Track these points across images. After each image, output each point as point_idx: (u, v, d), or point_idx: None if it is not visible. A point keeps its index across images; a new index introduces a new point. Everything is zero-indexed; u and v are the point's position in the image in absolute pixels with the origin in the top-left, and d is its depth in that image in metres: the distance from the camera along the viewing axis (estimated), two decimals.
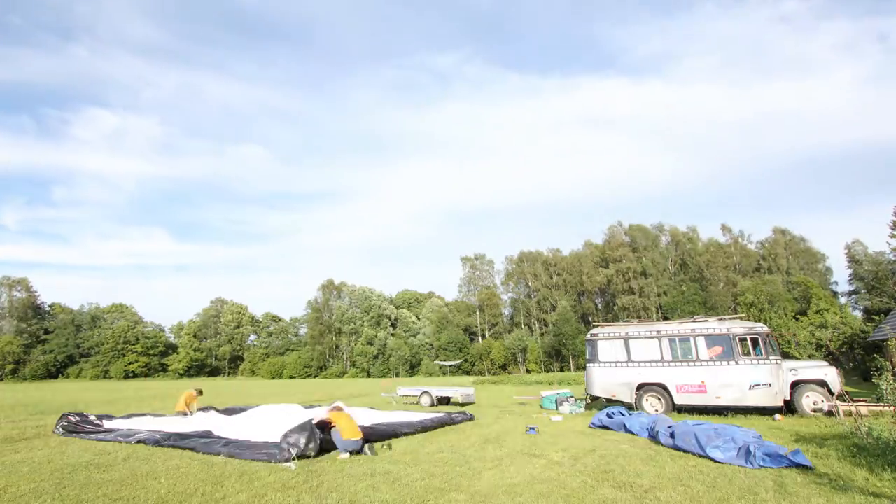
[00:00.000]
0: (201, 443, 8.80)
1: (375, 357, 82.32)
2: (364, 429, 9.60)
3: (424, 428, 11.04)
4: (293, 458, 7.43)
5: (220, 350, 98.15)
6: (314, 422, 8.32)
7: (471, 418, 13.24)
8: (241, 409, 15.01)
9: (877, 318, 33.34)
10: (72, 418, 11.67)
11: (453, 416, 12.86)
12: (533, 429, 10.77)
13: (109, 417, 13.24)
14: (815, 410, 12.42)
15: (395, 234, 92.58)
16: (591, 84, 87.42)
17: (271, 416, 14.12)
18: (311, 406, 15.90)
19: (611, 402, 14.90)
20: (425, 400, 18.64)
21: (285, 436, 7.92)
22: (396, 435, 9.91)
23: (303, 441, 7.74)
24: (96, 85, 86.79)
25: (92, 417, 12.42)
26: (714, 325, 13.80)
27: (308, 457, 7.65)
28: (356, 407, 17.42)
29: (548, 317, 79.09)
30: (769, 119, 79.50)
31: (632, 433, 10.06)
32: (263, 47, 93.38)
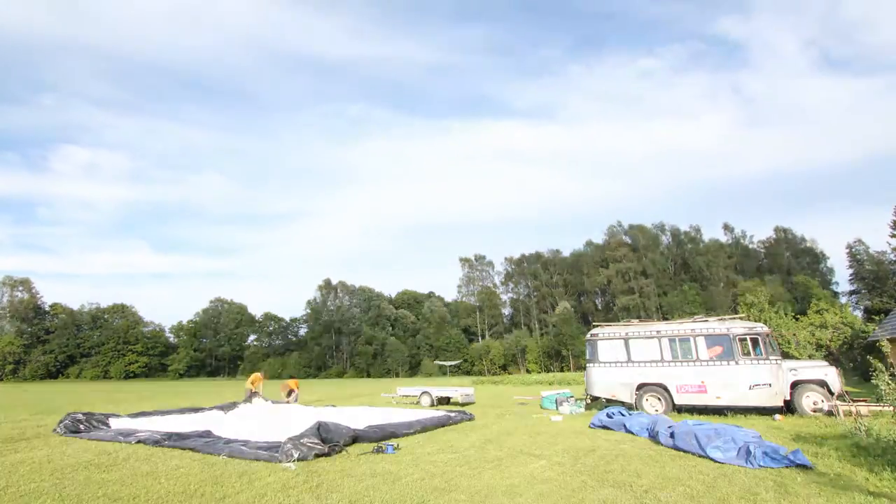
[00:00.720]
0: (202, 442, 8.80)
1: (375, 357, 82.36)
2: (365, 429, 9.62)
3: (424, 428, 11.04)
4: (294, 460, 7.44)
5: (219, 350, 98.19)
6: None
7: (471, 418, 13.24)
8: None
9: (877, 317, 33.33)
10: (77, 416, 11.70)
11: (452, 415, 12.83)
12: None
13: (116, 416, 13.27)
14: (815, 410, 12.42)
15: (351, 245, 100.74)
16: (492, 126, 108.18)
17: (273, 415, 14.14)
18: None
19: (611, 402, 14.89)
20: (425, 400, 18.65)
21: (291, 439, 7.92)
22: (396, 435, 9.90)
23: (307, 447, 7.76)
24: (66, 128, 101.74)
25: (99, 416, 12.47)
26: (714, 325, 13.80)
27: (307, 459, 7.64)
28: (356, 406, 17.45)
29: (548, 317, 79.13)
30: (658, 154, 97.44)
31: (632, 433, 10.06)
32: (211, 99, 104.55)
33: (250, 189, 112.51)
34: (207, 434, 9.62)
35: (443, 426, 11.80)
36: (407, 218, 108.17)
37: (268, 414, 14.54)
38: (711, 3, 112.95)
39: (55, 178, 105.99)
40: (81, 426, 11.18)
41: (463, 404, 18.49)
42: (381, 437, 9.53)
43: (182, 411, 15.23)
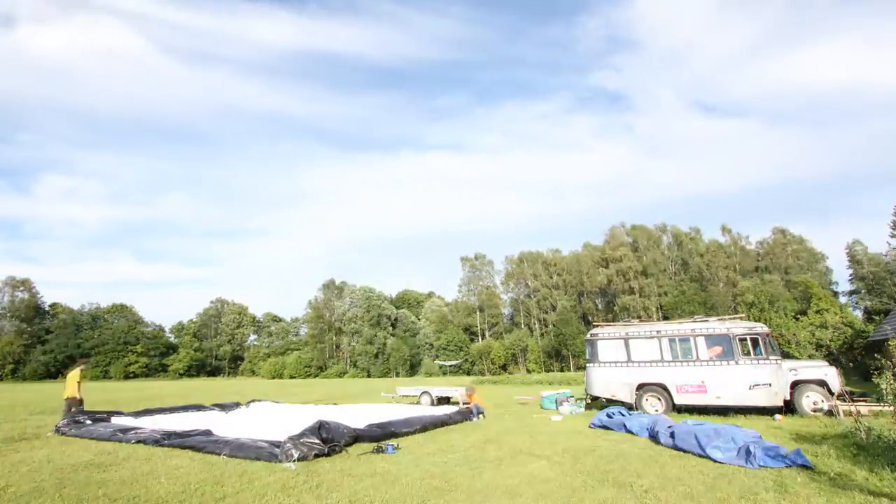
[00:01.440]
0: (202, 441, 8.81)
1: (375, 357, 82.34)
2: (365, 427, 9.61)
3: (424, 426, 11.04)
4: (294, 459, 7.44)
5: (220, 350, 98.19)
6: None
7: (472, 416, 13.24)
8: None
9: (877, 318, 33.34)
10: (79, 413, 11.79)
11: (451, 414, 12.82)
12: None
13: (119, 414, 13.32)
14: (815, 410, 12.42)
15: (351, 246, 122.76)
16: (414, 157, 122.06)
17: (274, 415, 14.17)
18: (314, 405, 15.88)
19: (611, 402, 14.89)
20: (425, 400, 18.66)
21: (291, 438, 7.92)
22: (397, 434, 9.90)
23: (307, 447, 7.76)
24: (44, 160, 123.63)
25: (101, 413, 12.59)
26: (714, 325, 13.79)
27: (307, 459, 7.64)
28: (356, 404, 17.46)
29: (548, 317, 79.06)
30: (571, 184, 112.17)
31: (632, 433, 10.07)
32: (172, 139, 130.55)
33: (221, 206, 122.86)
34: (208, 433, 9.63)
35: (444, 425, 11.81)
36: (368, 229, 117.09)
37: (268, 414, 14.58)
38: (582, 63, 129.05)
39: (40, 201, 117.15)
40: (88, 421, 11.28)
41: (463, 404, 18.49)
42: (381, 435, 9.53)
43: (186, 409, 15.27)
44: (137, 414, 13.74)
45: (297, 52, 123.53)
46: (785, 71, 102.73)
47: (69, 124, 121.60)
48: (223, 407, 15.37)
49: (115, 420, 12.14)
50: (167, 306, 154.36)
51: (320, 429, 8.36)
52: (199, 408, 15.35)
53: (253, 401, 16.67)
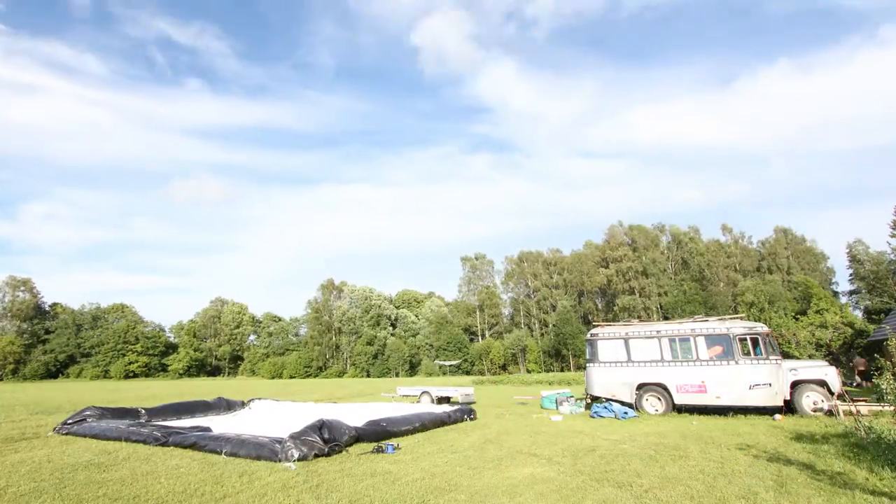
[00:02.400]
0: (202, 437, 8.84)
1: (375, 357, 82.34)
2: (365, 425, 9.60)
3: (424, 424, 11.03)
4: (294, 460, 7.44)
5: (220, 350, 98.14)
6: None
7: (472, 415, 13.24)
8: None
9: (877, 317, 33.33)
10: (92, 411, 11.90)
11: (451, 413, 12.78)
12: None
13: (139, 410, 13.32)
14: (815, 410, 12.41)
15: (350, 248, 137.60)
16: (334, 189, 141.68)
17: (275, 413, 14.16)
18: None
19: (611, 402, 14.88)
20: (425, 400, 18.69)
21: (293, 436, 7.92)
22: (396, 433, 9.89)
23: (307, 446, 7.76)
24: (24, 192, 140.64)
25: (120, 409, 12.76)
26: (714, 325, 13.79)
27: (307, 458, 7.64)
28: (356, 402, 17.43)
29: (548, 317, 79.04)
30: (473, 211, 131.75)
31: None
32: (132, 182, 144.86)
33: (187, 228, 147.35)
34: (207, 429, 9.64)
35: (443, 423, 11.81)
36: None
37: (269, 412, 14.57)
38: (461, 120, 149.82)
39: (25, 224, 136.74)
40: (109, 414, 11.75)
41: (463, 404, 18.50)
42: (381, 433, 9.53)
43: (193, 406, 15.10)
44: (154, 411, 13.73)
45: (230, 125, 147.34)
46: (624, 127, 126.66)
47: (42, 167, 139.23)
48: (230, 405, 15.28)
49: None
50: (167, 306, 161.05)
51: (322, 427, 8.36)
52: (206, 405, 15.19)
53: (253, 399, 16.65)
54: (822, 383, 12.63)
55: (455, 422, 12.39)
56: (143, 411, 12.78)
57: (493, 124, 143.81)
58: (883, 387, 8.44)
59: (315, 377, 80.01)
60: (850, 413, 11.01)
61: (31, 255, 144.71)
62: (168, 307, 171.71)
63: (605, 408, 13.70)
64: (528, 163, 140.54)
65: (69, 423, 11.20)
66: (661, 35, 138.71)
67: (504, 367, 73.26)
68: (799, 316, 37.84)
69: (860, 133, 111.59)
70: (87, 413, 11.66)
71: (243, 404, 15.70)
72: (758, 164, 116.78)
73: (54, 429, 11.31)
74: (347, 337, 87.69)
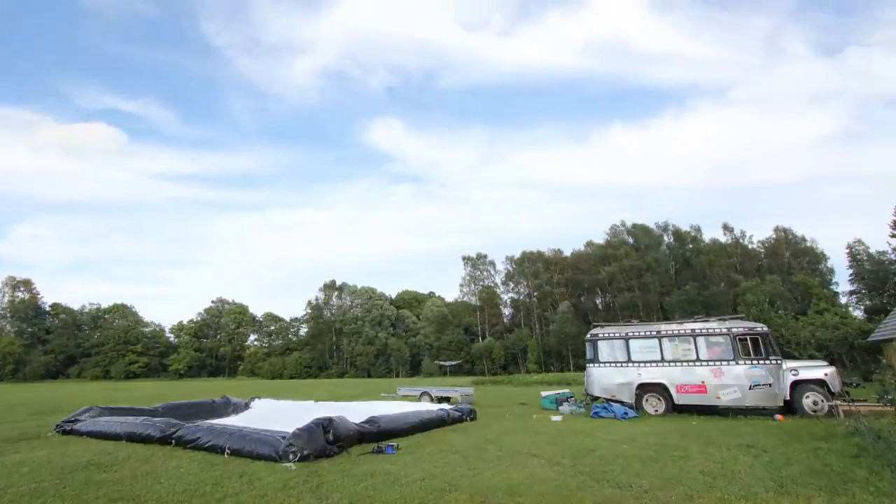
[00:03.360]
0: (203, 430, 8.88)
1: (376, 357, 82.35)
2: (366, 422, 9.56)
3: (422, 422, 11.02)
4: (296, 460, 7.44)
5: (220, 350, 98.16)
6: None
7: (472, 414, 13.24)
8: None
9: (877, 318, 33.30)
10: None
11: (449, 411, 12.73)
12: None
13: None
14: (815, 410, 12.41)
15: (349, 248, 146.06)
16: (281, 212, 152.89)
17: (276, 412, 14.16)
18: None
19: (611, 402, 14.88)
20: (425, 400, 18.69)
21: (296, 433, 7.93)
22: (396, 433, 9.87)
23: (312, 443, 7.77)
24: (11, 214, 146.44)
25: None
26: (714, 325, 13.79)
27: (308, 459, 7.64)
28: (356, 402, 17.42)
29: (549, 316, 79.01)
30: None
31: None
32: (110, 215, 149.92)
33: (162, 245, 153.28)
34: (209, 425, 9.66)
35: (442, 422, 11.81)
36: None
37: (270, 410, 14.58)
38: (372, 163, 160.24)
39: (12, 242, 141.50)
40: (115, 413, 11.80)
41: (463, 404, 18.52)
42: (382, 432, 9.50)
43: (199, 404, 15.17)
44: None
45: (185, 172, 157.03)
46: (518, 168, 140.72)
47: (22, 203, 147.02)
48: (235, 408, 15.29)
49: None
50: (167, 306, 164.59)
51: (327, 426, 8.31)
52: (210, 407, 15.23)
53: (254, 398, 16.63)
54: (822, 383, 12.63)
55: (455, 420, 12.39)
56: (159, 408, 13.08)
57: (403, 164, 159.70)
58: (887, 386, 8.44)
59: (315, 378, 79.99)
60: (850, 413, 11.01)
61: (23, 268, 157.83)
62: (168, 307, 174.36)
63: (605, 408, 13.71)
64: (442, 192, 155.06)
65: (71, 421, 11.25)
66: (522, 105, 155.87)
67: (504, 368, 73.23)
68: (799, 316, 37.84)
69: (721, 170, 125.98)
70: (91, 412, 11.75)
71: (246, 405, 15.70)
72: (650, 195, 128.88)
73: (56, 427, 11.33)
74: (348, 337, 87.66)
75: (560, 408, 15.18)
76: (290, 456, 7.50)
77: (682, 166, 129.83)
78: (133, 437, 9.62)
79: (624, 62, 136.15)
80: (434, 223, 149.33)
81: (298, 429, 8.04)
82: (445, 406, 13.74)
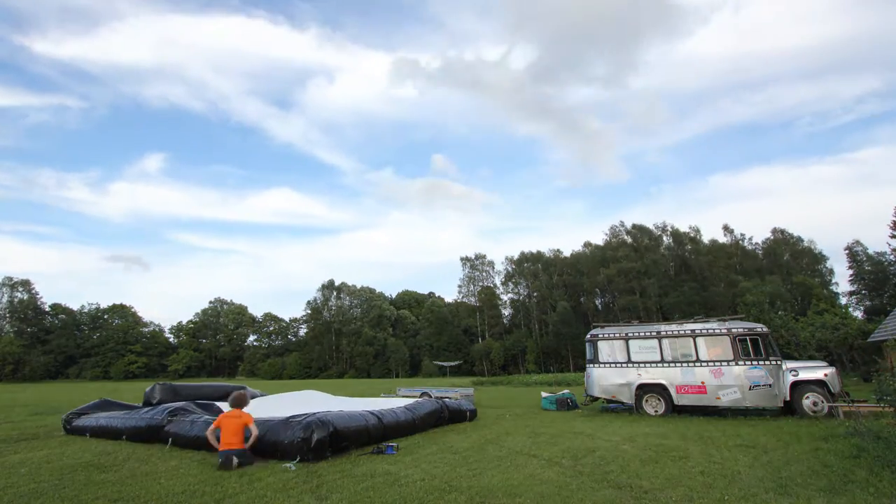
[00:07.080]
0: (203, 423, 8.93)
1: (375, 358, 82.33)
2: (363, 413, 9.51)
3: (420, 417, 10.97)
4: (296, 460, 7.43)
5: (219, 350, 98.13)
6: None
7: (471, 409, 13.23)
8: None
9: (877, 318, 33.29)
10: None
11: (448, 404, 12.58)
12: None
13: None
14: (814, 411, 12.41)
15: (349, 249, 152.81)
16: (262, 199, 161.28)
17: (283, 406, 14.11)
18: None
19: (611, 402, 14.89)
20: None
21: (301, 424, 7.92)
22: (394, 432, 9.84)
23: (313, 441, 7.76)
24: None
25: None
26: (714, 326, 13.79)
27: (308, 459, 7.63)
28: (358, 398, 17.37)
29: (548, 317, 79.00)
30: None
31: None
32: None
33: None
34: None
35: (441, 419, 11.81)
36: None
37: (270, 410, 14.52)
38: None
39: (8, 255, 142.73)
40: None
41: None
42: (382, 431, 9.47)
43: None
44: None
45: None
46: None
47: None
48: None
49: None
50: (167, 306, 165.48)
51: (331, 424, 8.28)
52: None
53: (254, 396, 16.55)
54: (822, 384, 12.63)
55: (453, 415, 12.38)
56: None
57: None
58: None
59: (315, 378, 79.94)
60: (850, 414, 11.01)
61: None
62: (168, 307, 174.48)
63: (605, 408, 13.70)
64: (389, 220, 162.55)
65: (75, 414, 11.36)
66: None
67: (504, 368, 73.25)
68: (799, 316, 37.85)
69: None
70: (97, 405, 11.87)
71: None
72: None
73: (63, 418, 11.43)
74: (347, 338, 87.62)
75: (560, 408, 15.14)
76: (296, 447, 7.52)
77: None
78: (134, 431, 9.76)
79: None
80: (434, 224, 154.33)
81: (302, 423, 8.01)
82: (446, 400, 13.68)
